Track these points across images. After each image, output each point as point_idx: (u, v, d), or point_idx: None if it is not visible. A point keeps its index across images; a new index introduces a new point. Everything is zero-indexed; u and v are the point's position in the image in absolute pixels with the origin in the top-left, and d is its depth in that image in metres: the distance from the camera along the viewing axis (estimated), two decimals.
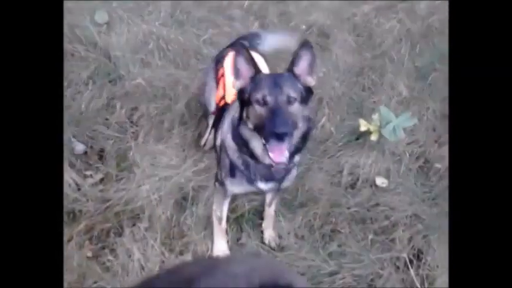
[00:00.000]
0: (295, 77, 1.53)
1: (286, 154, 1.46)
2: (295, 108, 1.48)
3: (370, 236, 2.03)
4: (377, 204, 2.17)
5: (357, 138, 2.43)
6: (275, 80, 1.49)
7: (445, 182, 2.23)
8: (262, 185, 1.70)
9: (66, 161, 2.16)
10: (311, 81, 1.56)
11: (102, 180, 2.18)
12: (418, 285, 1.88)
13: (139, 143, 2.31)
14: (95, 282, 1.78)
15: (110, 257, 1.90)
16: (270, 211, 2.04)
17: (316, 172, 2.27)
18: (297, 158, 1.65)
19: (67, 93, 2.50)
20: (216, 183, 1.89)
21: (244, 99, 1.53)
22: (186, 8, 3.03)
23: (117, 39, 2.76)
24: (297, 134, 1.52)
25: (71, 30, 2.71)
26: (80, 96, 2.49)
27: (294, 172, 1.77)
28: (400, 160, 2.39)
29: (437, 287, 1.87)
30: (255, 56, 1.77)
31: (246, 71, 1.54)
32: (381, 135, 2.34)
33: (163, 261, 1.90)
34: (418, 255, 2.00)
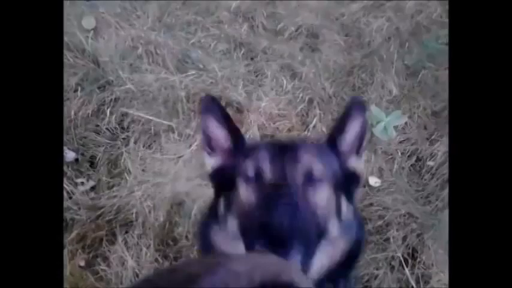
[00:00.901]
0: (335, 151, 0.93)
1: None
2: (323, 195, 0.84)
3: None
4: (371, 204, 2.17)
5: None
6: (286, 146, 0.90)
7: (437, 180, 2.24)
8: None
9: None
10: (358, 163, 0.97)
11: (93, 187, 2.16)
12: (414, 284, 1.88)
13: (131, 149, 2.29)
14: None
15: (103, 266, 1.88)
16: None
17: None
18: None
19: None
20: None
21: (223, 181, 0.91)
22: (173, 11, 3.02)
23: (105, 45, 2.73)
24: (327, 250, 0.83)
25: None
26: (69, 103, 2.46)
27: None
28: (393, 159, 2.40)
29: (432, 285, 1.88)
30: None
31: (222, 138, 0.97)
32: (372, 135, 2.35)
33: (157, 268, 1.88)
34: (413, 254, 2.00)
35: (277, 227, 0.71)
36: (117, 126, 2.42)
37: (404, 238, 2.02)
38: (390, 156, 2.41)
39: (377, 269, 1.89)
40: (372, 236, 2.05)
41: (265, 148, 0.89)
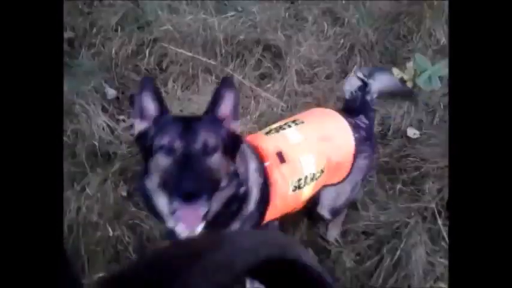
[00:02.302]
0: (218, 120, 1.20)
1: (202, 224, 1.09)
2: (216, 160, 1.13)
3: (398, 186, 2.02)
4: (407, 155, 2.14)
5: None
6: (188, 123, 1.15)
7: None
8: None
9: (99, 106, 2.22)
10: (236, 127, 1.23)
11: (133, 124, 2.23)
12: (445, 235, 1.87)
13: (169, 89, 2.33)
14: (130, 220, 1.87)
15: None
16: None
17: None
18: (235, 225, 1.29)
19: (97, 40, 2.52)
20: None
21: (145, 146, 1.18)
22: None
23: None
24: (220, 198, 1.17)
25: None
26: (109, 42, 2.50)
27: None
28: (434, 111, 2.32)
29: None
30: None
31: (151, 109, 1.21)
32: (415, 85, 2.25)
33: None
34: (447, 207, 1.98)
35: (187, 186, 1.03)
36: (155, 66, 2.44)
37: (439, 190, 1.99)
38: (431, 109, 2.33)
39: (408, 218, 1.89)
40: (406, 187, 2.03)
41: (176, 124, 1.16)
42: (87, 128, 2.13)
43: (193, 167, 1.07)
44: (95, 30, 2.56)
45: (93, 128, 2.12)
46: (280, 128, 1.48)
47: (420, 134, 2.22)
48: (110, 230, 1.83)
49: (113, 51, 2.44)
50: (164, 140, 1.12)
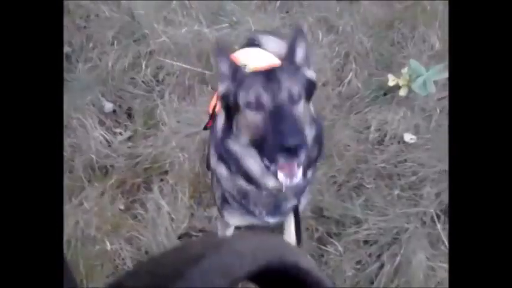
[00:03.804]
0: (296, 68, 1.20)
1: (300, 172, 1.09)
2: (301, 108, 1.13)
3: (397, 191, 2.01)
4: (405, 160, 2.13)
5: (385, 94, 2.36)
6: (269, 74, 1.14)
7: None
8: (267, 219, 1.36)
9: (96, 119, 2.23)
10: (312, 74, 1.24)
11: (130, 137, 2.24)
12: (445, 240, 1.86)
13: (166, 101, 2.34)
14: (128, 232, 1.87)
15: (141, 211, 1.98)
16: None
17: (343, 128, 2.23)
18: (309, 174, 1.29)
19: (93, 54, 2.54)
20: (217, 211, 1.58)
21: (229, 104, 1.17)
22: None
23: None
24: (308, 143, 1.17)
25: None
26: (106, 56, 2.52)
27: (306, 195, 1.41)
28: (430, 116, 2.32)
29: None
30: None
31: (226, 70, 1.21)
32: (410, 90, 2.26)
33: (192, 214, 1.97)
34: (446, 211, 1.96)
35: (286, 139, 1.01)
36: (152, 78, 2.46)
37: (437, 195, 1.99)
38: (428, 113, 2.33)
39: (407, 223, 1.88)
40: (404, 192, 2.03)
41: (258, 76, 1.14)
42: (84, 141, 2.14)
43: (287, 120, 1.05)
44: (91, 44, 2.59)
45: (90, 141, 2.13)
46: None
47: (417, 139, 2.22)
48: (108, 243, 1.83)
49: (110, 65, 2.46)
50: (250, 96, 1.10)
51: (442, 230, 1.87)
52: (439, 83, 2.31)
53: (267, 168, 1.12)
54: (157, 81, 2.46)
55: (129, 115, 2.35)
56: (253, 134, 1.12)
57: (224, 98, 1.20)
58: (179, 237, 1.91)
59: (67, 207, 1.89)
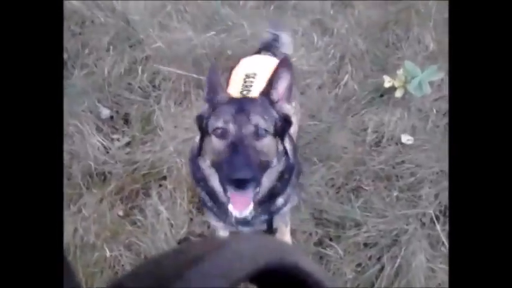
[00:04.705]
0: (271, 103, 1.23)
1: (251, 206, 1.13)
2: (266, 143, 1.17)
3: (395, 193, 2.02)
4: (402, 162, 2.14)
5: (381, 95, 2.37)
6: (242, 105, 1.18)
7: None
8: (240, 228, 1.41)
9: (93, 126, 2.22)
10: (289, 109, 1.27)
11: (128, 143, 2.23)
12: (445, 240, 1.87)
13: (162, 106, 2.34)
14: (127, 238, 1.86)
15: (140, 217, 1.97)
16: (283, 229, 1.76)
17: (340, 131, 2.24)
18: (280, 200, 1.36)
19: (89, 60, 2.54)
20: None
21: (201, 126, 1.24)
22: None
23: (135, 4, 2.74)
24: (270, 176, 1.23)
25: None
26: (102, 62, 2.52)
27: (284, 211, 1.45)
28: (427, 117, 2.33)
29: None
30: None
31: (206, 93, 1.28)
32: (406, 92, 2.27)
33: (191, 219, 1.96)
34: (445, 212, 1.97)
35: (235, 171, 1.06)
36: (148, 84, 2.46)
37: (436, 195, 1.99)
38: (424, 114, 2.34)
39: (407, 225, 1.89)
40: (403, 193, 2.03)
41: (230, 106, 1.19)
42: (81, 148, 2.13)
43: (244, 152, 1.09)
44: (87, 50, 2.58)
45: (88, 148, 2.12)
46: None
47: (414, 140, 2.23)
48: (107, 250, 1.82)
49: (106, 71, 2.45)
50: (218, 123, 1.15)
51: (441, 230, 1.88)
52: (435, 84, 2.33)
53: (225, 193, 1.17)
54: (154, 86, 2.46)
55: (126, 121, 2.35)
56: (215, 159, 1.17)
57: (198, 119, 1.26)
58: (178, 243, 1.91)
59: (65, 215, 1.88)
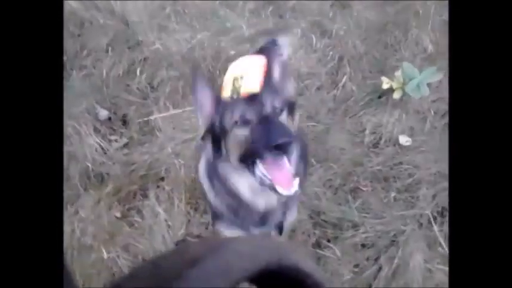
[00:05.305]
0: (275, 90, 1.23)
1: (297, 180, 1.10)
2: (285, 118, 1.18)
3: (393, 194, 2.02)
4: (400, 163, 2.14)
5: (380, 97, 2.37)
6: (251, 98, 1.18)
7: None
8: (252, 231, 1.39)
9: (91, 127, 2.22)
10: (291, 90, 1.31)
11: (126, 144, 2.23)
12: (442, 241, 1.87)
13: (161, 107, 2.34)
14: (125, 240, 1.86)
15: (137, 218, 1.97)
16: None
17: (338, 132, 2.24)
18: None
19: (88, 61, 2.54)
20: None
21: (216, 132, 1.20)
22: None
23: (133, 5, 2.74)
24: (295, 152, 1.23)
25: None
26: (100, 63, 2.52)
27: (293, 212, 1.45)
28: (425, 118, 2.33)
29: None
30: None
31: (208, 98, 1.22)
32: (404, 93, 2.27)
33: (189, 220, 1.96)
34: (442, 212, 1.97)
35: (274, 137, 1.03)
36: (147, 85, 2.46)
37: (434, 196, 1.99)
38: (422, 115, 2.34)
39: (404, 226, 1.88)
40: (400, 194, 2.03)
41: (239, 100, 1.20)
42: (79, 149, 2.13)
43: (273, 124, 1.09)
44: (85, 52, 2.59)
45: (86, 149, 2.12)
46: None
47: (412, 141, 2.23)
48: (104, 252, 1.81)
49: (104, 72, 2.46)
50: (235, 116, 1.13)
51: (438, 231, 1.88)
52: (433, 85, 2.33)
53: (262, 183, 1.12)
54: (152, 87, 2.46)
55: (124, 122, 2.35)
56: (243, 147, 1.13)
57: (210, 128, 1.22)
58: (176, 244, 1.90)
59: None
